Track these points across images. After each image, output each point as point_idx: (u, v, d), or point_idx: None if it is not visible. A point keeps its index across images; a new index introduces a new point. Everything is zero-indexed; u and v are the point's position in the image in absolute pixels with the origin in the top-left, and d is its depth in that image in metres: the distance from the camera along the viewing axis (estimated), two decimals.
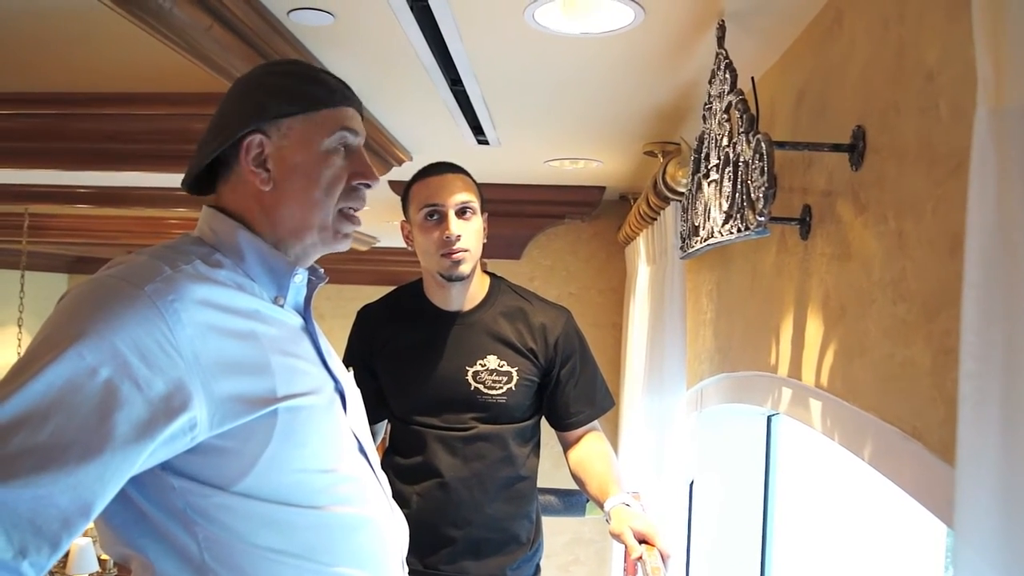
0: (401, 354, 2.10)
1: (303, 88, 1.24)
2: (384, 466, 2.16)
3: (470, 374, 2.05)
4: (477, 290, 2.11)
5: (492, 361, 2.06)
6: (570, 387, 2.12)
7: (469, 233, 2.01)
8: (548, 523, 2.31)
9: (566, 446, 2.18)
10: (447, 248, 1.99)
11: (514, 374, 2.06)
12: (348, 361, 2.11)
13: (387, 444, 2.21)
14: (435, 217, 2.00)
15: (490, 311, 2.11)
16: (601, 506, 1.99)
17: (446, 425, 2.06)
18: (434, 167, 2.06)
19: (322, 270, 1.33)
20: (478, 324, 2.10)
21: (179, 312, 1.06)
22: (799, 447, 2.78)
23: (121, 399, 0.99)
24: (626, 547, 1.86)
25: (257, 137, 1.21)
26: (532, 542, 2.15)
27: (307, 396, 1.17)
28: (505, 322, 2.10)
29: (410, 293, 2.18)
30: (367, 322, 2.19)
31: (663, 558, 1.80)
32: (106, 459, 0.98)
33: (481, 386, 2.05)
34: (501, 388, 2.05)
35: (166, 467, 1.07)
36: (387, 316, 2.18)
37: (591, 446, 2.14)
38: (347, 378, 1.33)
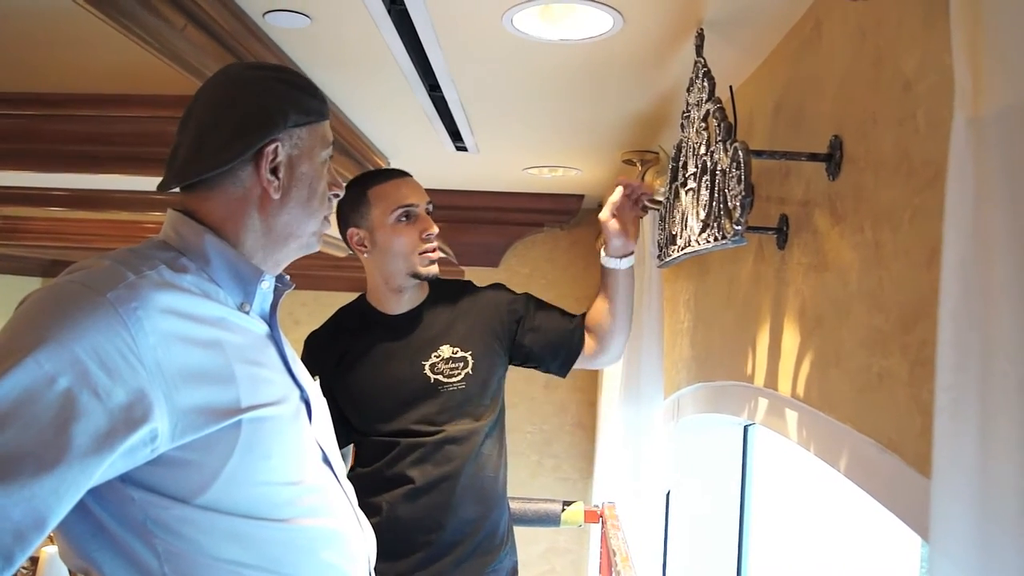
0: (357, 367, 2.11)
1: (310, 99, 1.28)
2: (351, 480, 2.14)
3: (427, 367, 2.07)
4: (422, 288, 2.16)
5: (446, 350, 2.09)
6: (542, 317, 2.19)
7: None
8: (523, 533, 2.30)
9: (589, 333, 2.21)
10: (428, 246, 2.03)
11: (468, 358, 2.08)
12: None
13: (353, 462, 2.19)
14: (408, 218, 2.02)
15: (433, 304, 2.15)
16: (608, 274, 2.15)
17: (412, 429, 2.05)
18: (390, 171, 2.11)
19: (288, 277, 1.32)
20: (425, 319, 2.13)
21: (142, 320, 1.03)
22: (776, 457, 2.77)
23: (80, 409, 0.96)
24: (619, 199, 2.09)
25: (275, 145, 1.22)
26: (505, 542, 2.16)
27: (272, 406, 1.15)
28: (449, 310, 2.14)
29: (352, 309, 2.22)
30: (316, 347, 2.19)
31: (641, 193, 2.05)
32: (62, 471, 0.95)
33: (440, 376, 2.06)
34: (459, 374, 2.07)
35: (126, 479, 1.04)
36: (335, 335, 2.18)
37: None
38: (313, 387, 1.31)
